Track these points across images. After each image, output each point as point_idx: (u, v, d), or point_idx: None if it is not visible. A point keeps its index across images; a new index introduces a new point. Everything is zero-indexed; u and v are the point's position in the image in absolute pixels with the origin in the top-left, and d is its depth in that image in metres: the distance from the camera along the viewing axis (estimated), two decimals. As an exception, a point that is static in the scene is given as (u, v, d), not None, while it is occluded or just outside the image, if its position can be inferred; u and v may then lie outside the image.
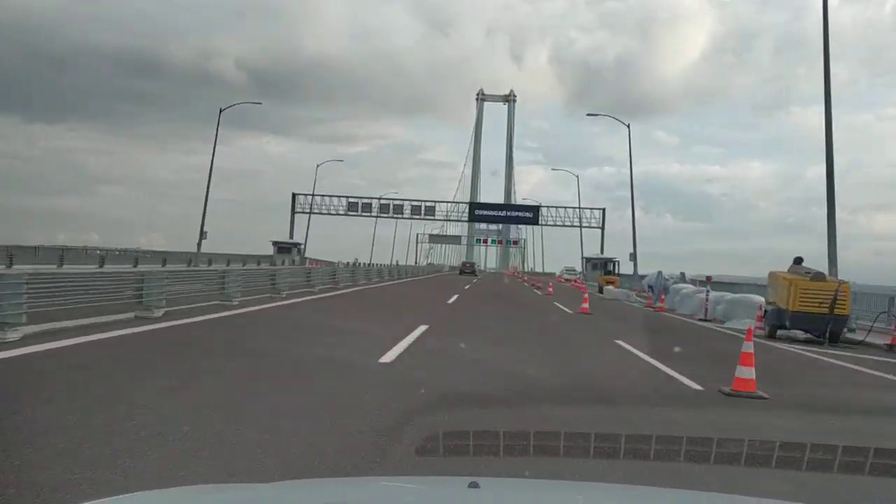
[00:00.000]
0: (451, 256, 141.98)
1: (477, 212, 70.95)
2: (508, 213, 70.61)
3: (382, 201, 72.13)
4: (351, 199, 72.16)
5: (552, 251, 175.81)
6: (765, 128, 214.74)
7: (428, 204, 72.08)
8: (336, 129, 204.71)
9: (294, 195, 71.63)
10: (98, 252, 39.98)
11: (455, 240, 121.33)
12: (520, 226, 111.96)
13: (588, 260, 62.91)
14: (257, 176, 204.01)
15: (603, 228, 68.63)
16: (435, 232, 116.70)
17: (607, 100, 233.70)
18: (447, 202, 72.30)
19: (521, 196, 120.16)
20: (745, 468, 3.94)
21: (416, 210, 72.02)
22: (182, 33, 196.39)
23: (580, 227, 67.29)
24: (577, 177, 66.92)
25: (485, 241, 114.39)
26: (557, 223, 70.47)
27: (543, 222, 70.39)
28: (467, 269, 72.13)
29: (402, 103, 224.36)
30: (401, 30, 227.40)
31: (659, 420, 6.15)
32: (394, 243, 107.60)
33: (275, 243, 65.98)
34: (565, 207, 70.49)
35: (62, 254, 34.66)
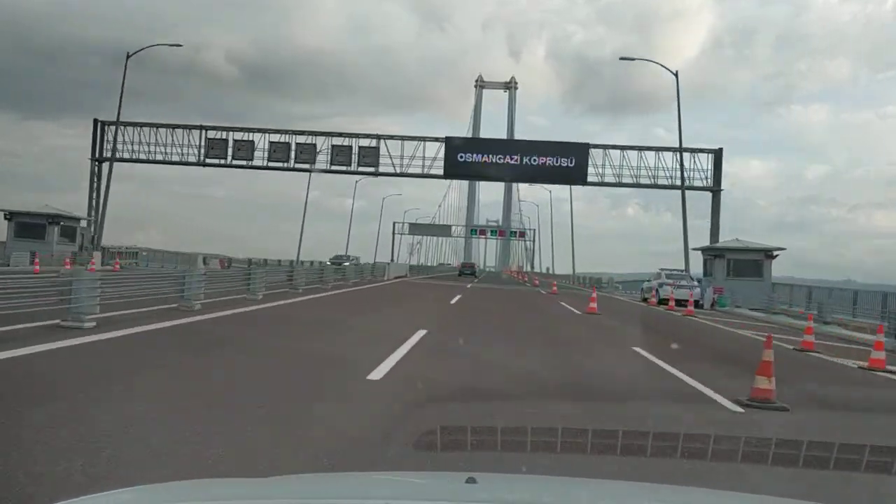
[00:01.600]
0: (447, 253, 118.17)
1: (461, 155, 35.16)
2: (525, 159, 34.61)
3: (272, 137, 36.57)
4: (212, 136, 36.65)
5: (560, 252, 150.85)
6: (766, 126, 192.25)
7: (363, 142, 36.49)
8: (334, 125, 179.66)
9: (98, 124, 36.23)
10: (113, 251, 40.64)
11: (444, 230, 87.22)
12: (525, 216, 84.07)
13: (718, 254, 27.25)
14: (256, 174, 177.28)
15: (718, 190, 33.21)
16: (425, 221, 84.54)
17: (605, 97, 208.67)
18: (400, 138, 36.41)
19: (521, 196, 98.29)
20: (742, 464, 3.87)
21: (341, 156, 36.49)
22: (174, 26, 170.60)
23: (682, 187, 31.71)
24: (676, 74, 31.98)
25: (482, 234, 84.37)
26: (624, 179, 34.95)
27: (598, 177, 34.78)
28: (467, 270, 63.86)
29: (399, 99, 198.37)
30: (397, 24, 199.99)
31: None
32: (349, 231, 72.68)
33: (9, 216, 30.41)
34: (639, 149, 35.03)
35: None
